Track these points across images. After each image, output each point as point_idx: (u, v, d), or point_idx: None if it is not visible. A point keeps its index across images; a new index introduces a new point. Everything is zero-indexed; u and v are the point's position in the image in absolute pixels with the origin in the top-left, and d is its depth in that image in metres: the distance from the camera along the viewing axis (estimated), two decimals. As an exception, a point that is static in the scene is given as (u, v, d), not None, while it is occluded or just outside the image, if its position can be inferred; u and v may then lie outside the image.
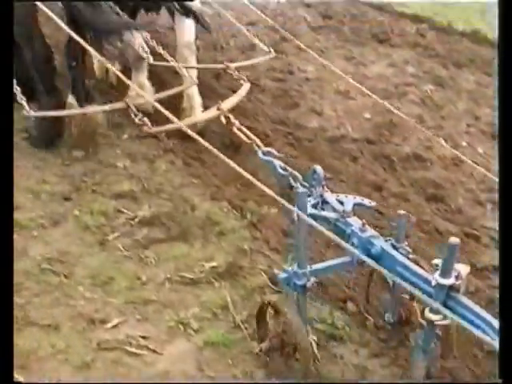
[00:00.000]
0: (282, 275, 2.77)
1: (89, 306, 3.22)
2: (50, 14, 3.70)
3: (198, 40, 6.68)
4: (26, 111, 3.57)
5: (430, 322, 2.42)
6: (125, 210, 3.97)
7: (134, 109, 3.01)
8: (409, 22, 8.27)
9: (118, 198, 4.10)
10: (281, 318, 2.74)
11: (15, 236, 3.66)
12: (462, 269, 2.35)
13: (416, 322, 2.78)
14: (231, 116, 3.13)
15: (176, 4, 4.66)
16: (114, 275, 3.43)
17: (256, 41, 4.31)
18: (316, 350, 2.89)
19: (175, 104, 4.58)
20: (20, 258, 3.51)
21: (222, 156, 2.52)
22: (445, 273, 2.31)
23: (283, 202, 2.37)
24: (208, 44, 6.73)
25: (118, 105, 3.36)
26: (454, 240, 2.28)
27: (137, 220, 3.88)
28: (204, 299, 3.30)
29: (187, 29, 5.09)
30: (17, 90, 3.88)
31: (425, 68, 6.68)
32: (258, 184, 2.34)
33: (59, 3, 4.31)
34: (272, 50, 4.32)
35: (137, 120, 2.93)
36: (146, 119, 2.92)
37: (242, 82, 3.68)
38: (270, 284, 3.41)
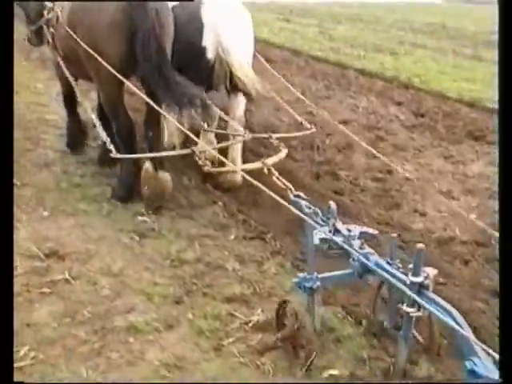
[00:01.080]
0: (295, 280, 3.61)
1: (211, 417, 3.17)
2: (136, 89, 4.55)
3: (296, 140, 6.89)
4: (113, 154, 4.38)
5: (407, 314, 2.99)
6: (238, 314, 3.95)
7: (199, 154, 3.85)
8: (502, 118, 8.20)
9: (230, 301, 4.09)
10: (293, 314, 3.46)
11: (132, 339, 3.72)
12: (430, 271, 2.89)
13: None
14: (272, 168, 3.75)
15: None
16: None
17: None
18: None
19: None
20: (138, 362, 3.52)
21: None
22: (415, 273, 2.86)
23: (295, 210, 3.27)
24: (306, 144, 6.85)
25: (185, 151, 4.09)
26: (419, 246, 2.87)
27: (250, 325, 3.84)
28: (326, 410, 3.20)
29: (240, 104, 5.75)
30: (107, 140, 4.54)
31: (527, 166, 6.53)
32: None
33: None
34: (313, 126, 4.96)
35: (200, 162, 3.78)
36: (207, 161, 3.80)
37: (281, 148, 4.31)
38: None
